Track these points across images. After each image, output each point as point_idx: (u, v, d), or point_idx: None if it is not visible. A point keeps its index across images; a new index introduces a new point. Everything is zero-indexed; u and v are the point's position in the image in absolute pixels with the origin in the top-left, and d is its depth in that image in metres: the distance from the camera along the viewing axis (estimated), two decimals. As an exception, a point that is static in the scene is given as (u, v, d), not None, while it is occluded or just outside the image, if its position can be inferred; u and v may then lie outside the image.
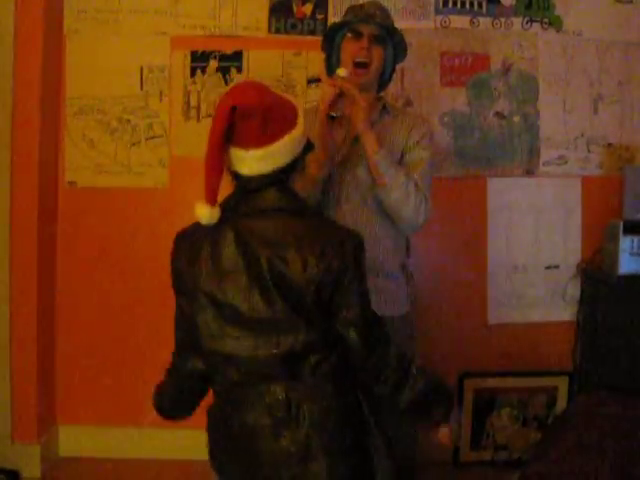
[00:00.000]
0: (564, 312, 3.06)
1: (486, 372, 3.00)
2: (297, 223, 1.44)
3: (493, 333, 3.04)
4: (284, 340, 1.43)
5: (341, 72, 1.97)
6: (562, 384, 3.03)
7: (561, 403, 3.02)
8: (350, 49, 2.04)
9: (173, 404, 1.67)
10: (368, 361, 1.48)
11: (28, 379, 2.87)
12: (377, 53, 2.03)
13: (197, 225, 1.46)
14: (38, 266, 2.88)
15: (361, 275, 1.46)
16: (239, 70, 2.99)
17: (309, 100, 3.00)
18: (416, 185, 1.97)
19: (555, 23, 3.02)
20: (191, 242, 1.50)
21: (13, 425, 2.87)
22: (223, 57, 2.99)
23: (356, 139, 2.03)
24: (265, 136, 1.40)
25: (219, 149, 1.40)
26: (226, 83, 2.99)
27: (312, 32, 2.98)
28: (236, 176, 1.47)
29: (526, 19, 3.01)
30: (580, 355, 2.96)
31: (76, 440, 3.06)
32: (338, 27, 2.09)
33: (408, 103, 2.96)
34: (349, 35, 2.05)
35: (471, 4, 2.99)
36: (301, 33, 2.99)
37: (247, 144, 1.41)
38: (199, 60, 2.99)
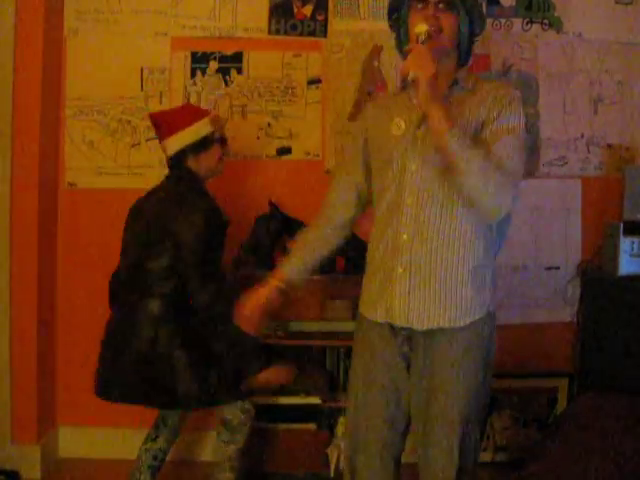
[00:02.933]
0: (564, 313, 3.06)
1: (486, 373, 2.99)
2: (175, 187, 2.40)
3: (493, 334, 3.04)
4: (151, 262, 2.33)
5: (419, 29, 1.68)
6: (562, 385, 3.03)
7: (561, 404, 3.02)
8: (416, 21, 1.73)
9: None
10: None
11: (28, 379, 2.87)
12: (447, 20, 1.74)
13: None
14: (38, 267, 2.88)
15: (200, 232, 2.27)
16: (239, 71, 2.99)
17: (309, 101, 3.00)
18: (497, 166, 1.65)
19: (555, 24, 3.02)
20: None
21: (13, 426, 2.87)
22: (223, 58, 2.99)
23: (425, 121, 1.72)
24: (159, 136, 2.46)
25: None
26: (226, 84, 3.00)
27: (312, 33, 2.99)
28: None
29: (526, 20, 3.02)
30: (580, 356, 2.96)
31: (76, 441, 3.06)
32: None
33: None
34: (413, 5, 1.76)
35: (471, 5, 2.99)
36: (301, 34, 2.99)
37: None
38: (199, 61, 2.99)
